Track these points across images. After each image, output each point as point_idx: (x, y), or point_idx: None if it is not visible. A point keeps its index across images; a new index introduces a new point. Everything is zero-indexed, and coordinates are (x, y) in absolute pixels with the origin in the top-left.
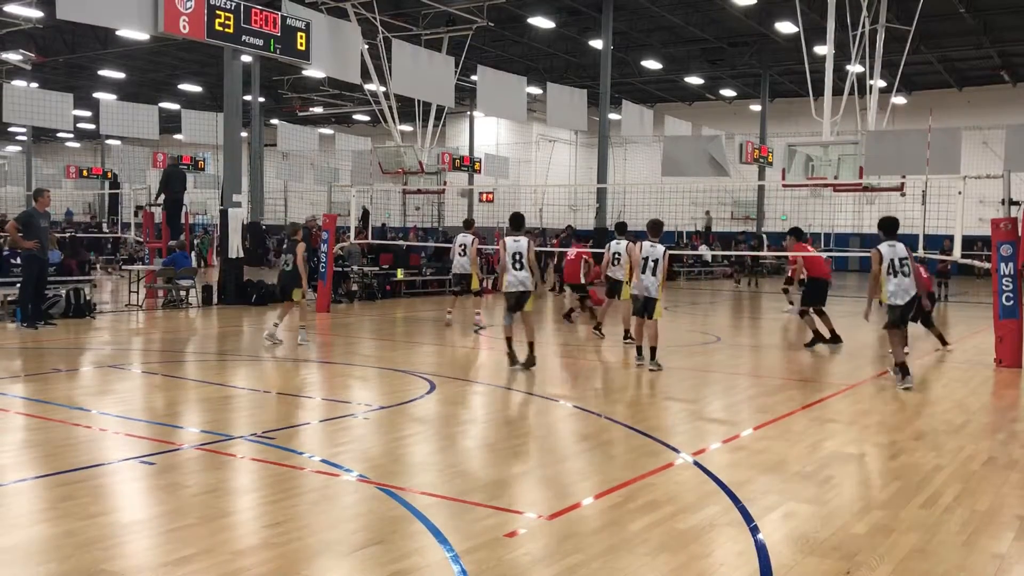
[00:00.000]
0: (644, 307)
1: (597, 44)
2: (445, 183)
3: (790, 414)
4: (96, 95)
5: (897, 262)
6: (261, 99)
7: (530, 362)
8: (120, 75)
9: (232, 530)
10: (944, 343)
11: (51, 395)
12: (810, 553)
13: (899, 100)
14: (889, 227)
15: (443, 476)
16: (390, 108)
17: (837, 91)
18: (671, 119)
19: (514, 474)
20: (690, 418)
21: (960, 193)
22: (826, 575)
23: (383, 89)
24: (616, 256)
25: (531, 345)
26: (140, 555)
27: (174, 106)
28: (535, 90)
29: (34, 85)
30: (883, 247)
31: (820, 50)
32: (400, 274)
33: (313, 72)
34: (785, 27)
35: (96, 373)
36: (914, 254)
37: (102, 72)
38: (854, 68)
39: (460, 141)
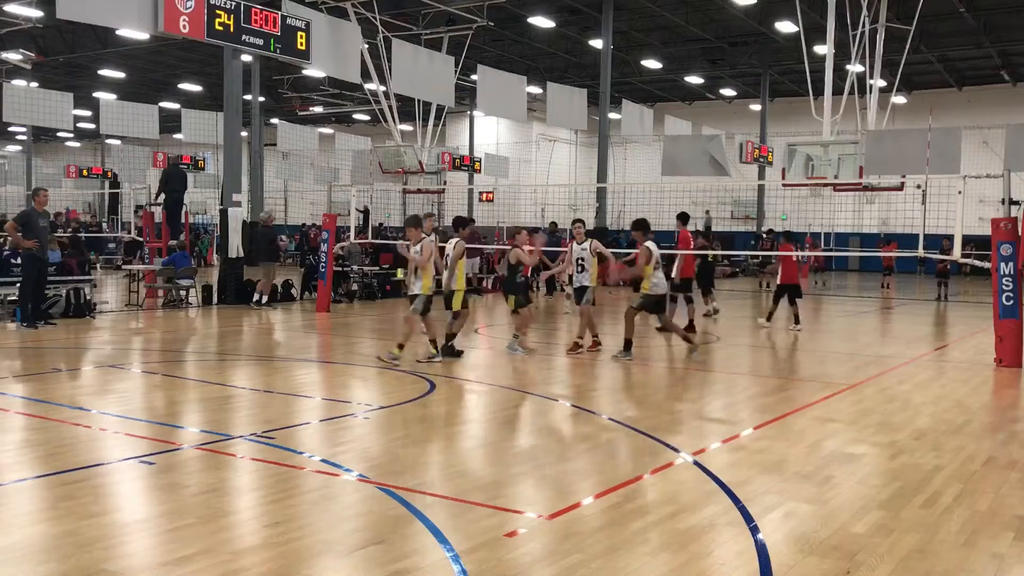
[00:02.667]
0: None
1: (597, 44)
2: (445, 183)
3: (790, 414)
4: (96, 95)
5: (658, 257)
6: (261, 98)
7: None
8: (120, 75)
9: (232, 530)
10: (769, 319)
11: (51, 395)
12: (810, 553)
13: (899, 99)
14: (646, 226)
15: (443, 476)
16: (390, 107)
17: (837, 91)
18: (671, 119)
19: (514, 474)
20: (690, 417)
21: (960, 193)
22: (826, 575)
23: (383, 88)
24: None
25: (451, 336)
26: (140, 555)
27: (174, 105)
28: (535, 89)
29: (34, 85)
30: (651, 245)
31: (820, 49)
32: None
33: (313, 71)
34: (785, 27)
35: (96, 373)
36: (913, 253)
37: (102, 72)
38: (854, 68)
39: (460, 140)
